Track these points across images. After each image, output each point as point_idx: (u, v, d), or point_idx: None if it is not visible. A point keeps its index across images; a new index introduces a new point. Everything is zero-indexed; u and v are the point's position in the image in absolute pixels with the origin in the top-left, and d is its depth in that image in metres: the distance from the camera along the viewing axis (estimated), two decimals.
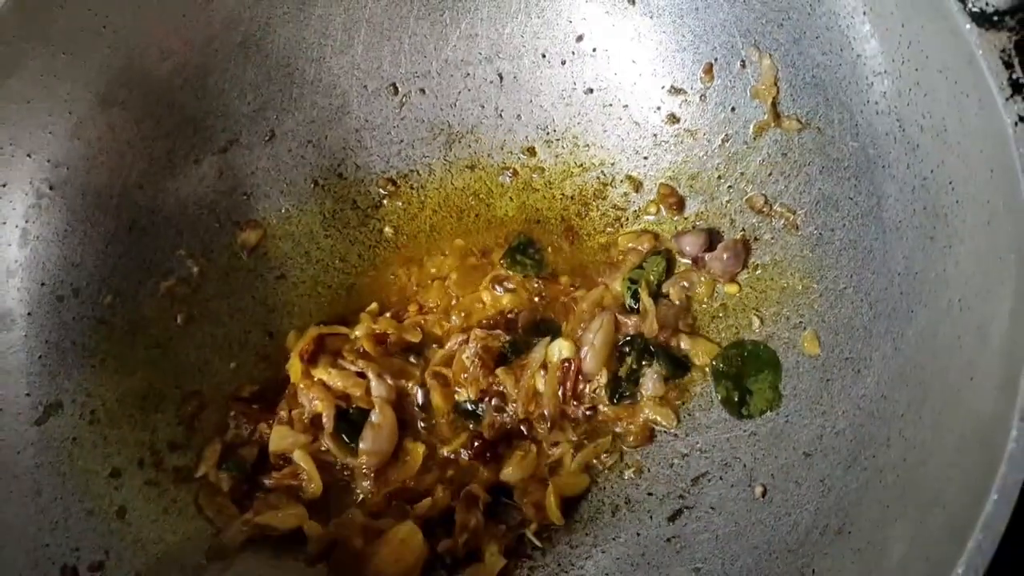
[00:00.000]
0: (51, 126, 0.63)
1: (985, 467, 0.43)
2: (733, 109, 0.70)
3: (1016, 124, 0.46)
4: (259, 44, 0.71)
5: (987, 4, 0.48)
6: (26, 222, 0.63)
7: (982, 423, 0.45)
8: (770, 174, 0.69)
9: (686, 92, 0.72)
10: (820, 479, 0.58)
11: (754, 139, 0.69)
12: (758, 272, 0.69)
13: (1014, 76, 0.47)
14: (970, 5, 0.49)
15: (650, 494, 0.65)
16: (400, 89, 0.76)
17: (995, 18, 0.48)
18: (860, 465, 0.55)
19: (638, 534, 0.63)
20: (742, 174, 0.70)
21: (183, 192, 0.71)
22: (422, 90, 0.77)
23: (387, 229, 0.77)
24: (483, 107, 0.77)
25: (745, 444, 0.64)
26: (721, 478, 0.63)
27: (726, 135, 0.71)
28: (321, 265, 0.75)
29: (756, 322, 0.68)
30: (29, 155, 0.62)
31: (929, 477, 0.49)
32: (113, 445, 0.64)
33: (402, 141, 0.77)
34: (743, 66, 0.69)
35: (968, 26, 0.49)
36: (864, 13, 0.57)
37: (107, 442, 0.64)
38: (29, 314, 0.63)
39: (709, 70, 0.71)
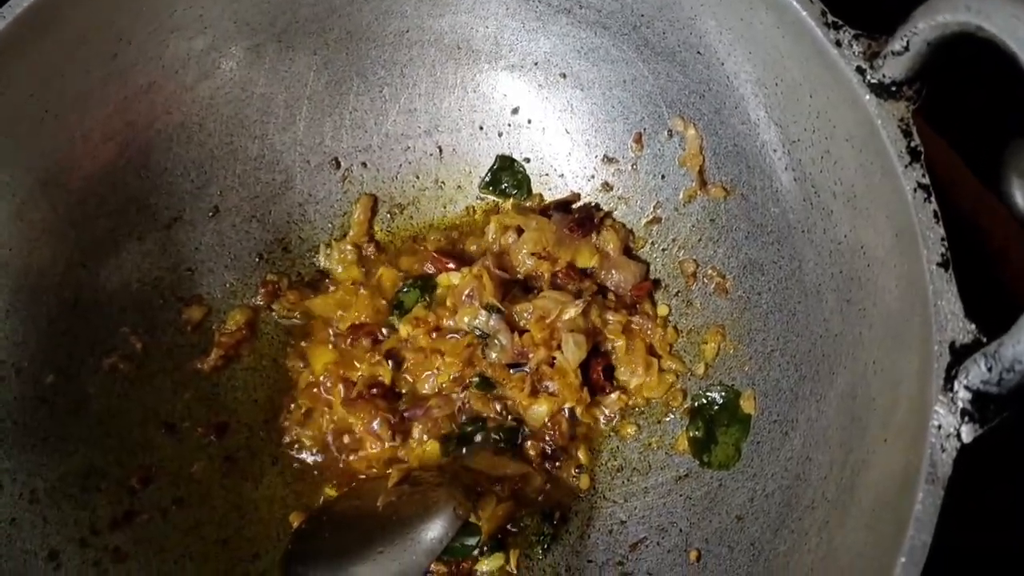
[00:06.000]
0: None
1: (896, 529, 0.43)
2: (663, 177, 0.72)
3: (915, 190, 0.48)
4: (202, 123, 0.72)
5: (884, 76, 0.50)
6: None
7: (894, 484, 0.46)
8: (700, 239, 0.70)
9: (618, 161, 0.74)
10: (751, 543, 0.58)
11: (684, 206, 0.71)
12: (692, 335, 0.70)
13: (912, 144, 0.49)
14: (869, 77, 0.50)
15: (590, 561, 0.65)
16: (342, 163, 0.78)
17: (893, 89, 0.50)
18: (788, 528, 0.55)
19: None
20: (673, 240, 0.72)
21: (127, 269, 0.71)
22: (364, 164, 0.78)
23: None
24: (423, 179, 0.79)
25: (681, 508, 0.64)
26: (658, 543, 0.63)
27: (657, 202, 0.73)
28: (266, 338, 0.75)
29: (692, 384, 0.68)
30: None
31: (848, 539, 0.49)
32: (53, 524, 0.64)
33: (345, 214, 0.78)
34: (670, 135, 0.70)
35: (868, 97, 0.50)
36: (776, 84, 0.59)
37: (47, 522, 0.64)
38: None
39: (639, 139, 0.72)
